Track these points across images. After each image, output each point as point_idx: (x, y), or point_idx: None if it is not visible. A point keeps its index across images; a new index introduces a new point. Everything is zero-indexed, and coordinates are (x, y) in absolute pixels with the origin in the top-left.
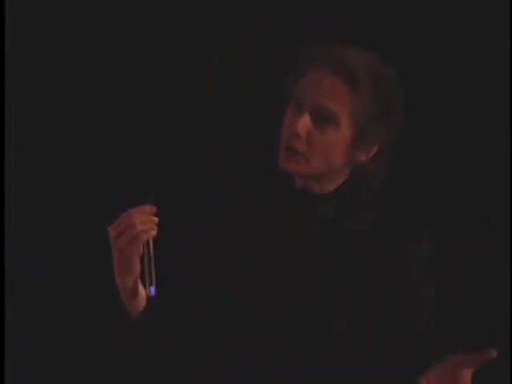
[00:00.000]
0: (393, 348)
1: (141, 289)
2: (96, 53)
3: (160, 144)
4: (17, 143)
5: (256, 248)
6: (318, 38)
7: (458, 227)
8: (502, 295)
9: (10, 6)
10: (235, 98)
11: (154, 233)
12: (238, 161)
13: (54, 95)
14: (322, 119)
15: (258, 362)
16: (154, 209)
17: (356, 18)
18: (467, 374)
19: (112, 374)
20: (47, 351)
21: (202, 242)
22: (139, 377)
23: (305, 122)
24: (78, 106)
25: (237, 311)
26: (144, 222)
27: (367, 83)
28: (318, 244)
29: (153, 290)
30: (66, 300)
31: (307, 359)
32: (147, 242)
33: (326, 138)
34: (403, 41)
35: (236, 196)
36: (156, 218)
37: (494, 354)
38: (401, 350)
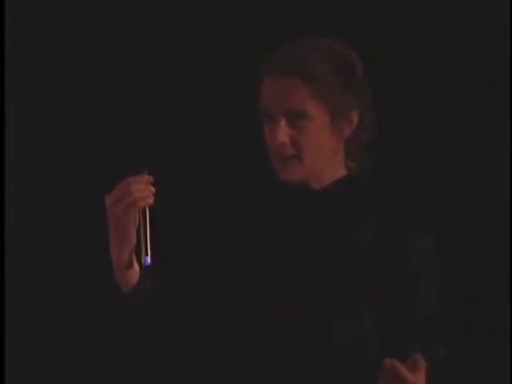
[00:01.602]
0: (392, 348)
1: (135, 264)
2: (96, 53)
3: (160, 144)
4: (17, 143)
5: (256, 248)
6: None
7: (458, 227)
8: (502, 295)
9: (9, 6)
10: (235, 98)
11: (150, 201)
12: (237, 161)
13: (54, 95)
14: (295, 119)
15: (258, 362)
16: (151, 178)
17: (356, 18)
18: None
19: (112, 373)
20: (47, 351)
21: (202, 242)
22: (139, 377)
23: (283, 130)
24: (78, 107)
25: (236, 311)
26: (141, 190)
27: (319, 65)
28: (318, 244)
29: (148, 259)
30: (66, 300)
31: (307, 359)
32: (143, 212)
33: (307, 134)
34: (403, 41)
35: (236, 196)
36: (153, 188)
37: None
38: (400, 350)
